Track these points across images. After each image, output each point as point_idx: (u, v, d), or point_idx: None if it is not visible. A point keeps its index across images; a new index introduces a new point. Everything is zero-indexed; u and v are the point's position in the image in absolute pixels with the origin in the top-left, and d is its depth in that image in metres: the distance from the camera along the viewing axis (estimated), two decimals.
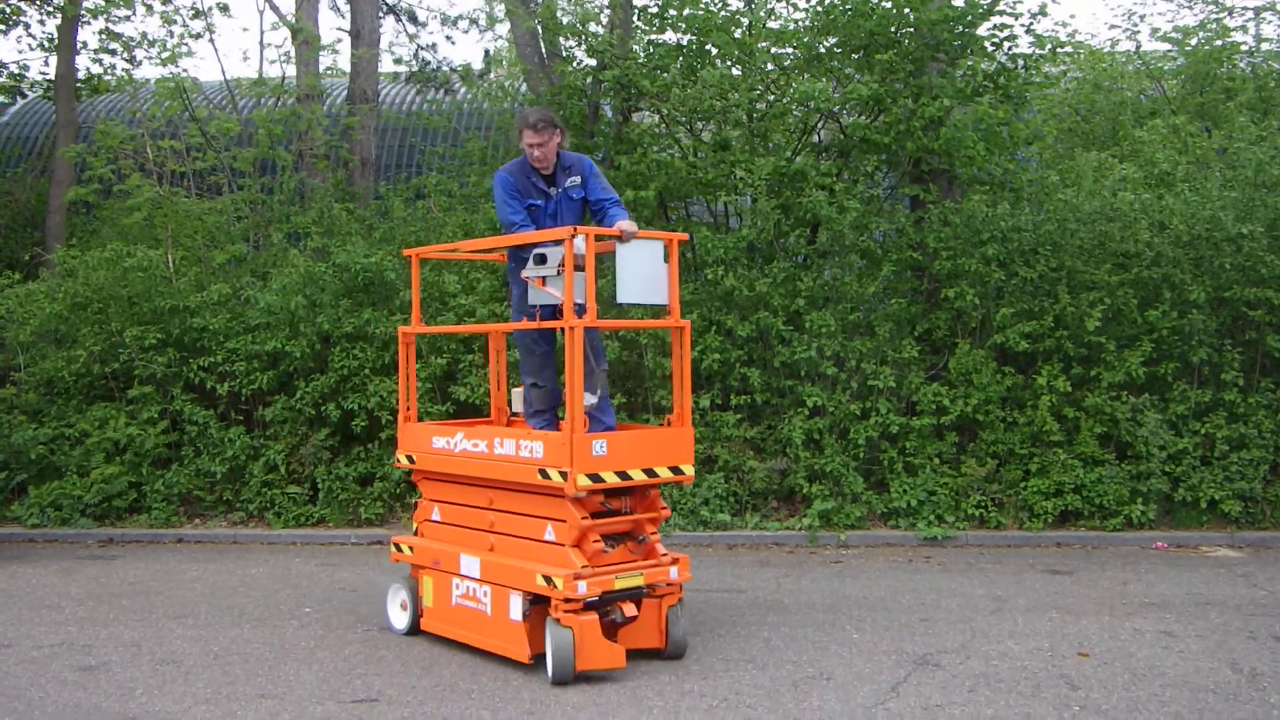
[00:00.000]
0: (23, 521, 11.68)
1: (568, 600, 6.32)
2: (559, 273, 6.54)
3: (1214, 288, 11.00)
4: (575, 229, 6.46)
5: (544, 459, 6.58)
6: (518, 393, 7.66)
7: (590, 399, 6.83)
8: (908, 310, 11.56)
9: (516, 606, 6.64)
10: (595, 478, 6.45)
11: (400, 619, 7.57)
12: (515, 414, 7.85)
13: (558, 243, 6.57)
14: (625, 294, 6.73)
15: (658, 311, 7.56)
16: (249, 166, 14.08)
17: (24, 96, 19.82)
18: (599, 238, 6.78)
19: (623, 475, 6.57)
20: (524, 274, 6.85)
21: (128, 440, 11.74)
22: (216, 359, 11.92)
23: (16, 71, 18.95)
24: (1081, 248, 11.25)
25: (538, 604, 6.57)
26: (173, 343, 12.10)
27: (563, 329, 6.64)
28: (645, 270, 6.76)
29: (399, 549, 7.59)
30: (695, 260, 11.99)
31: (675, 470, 6.84)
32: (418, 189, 14.48)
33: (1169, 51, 16.21)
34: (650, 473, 6.71)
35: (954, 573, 9.40)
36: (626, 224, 6.77)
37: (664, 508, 6.95)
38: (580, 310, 6.53)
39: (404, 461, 7.59)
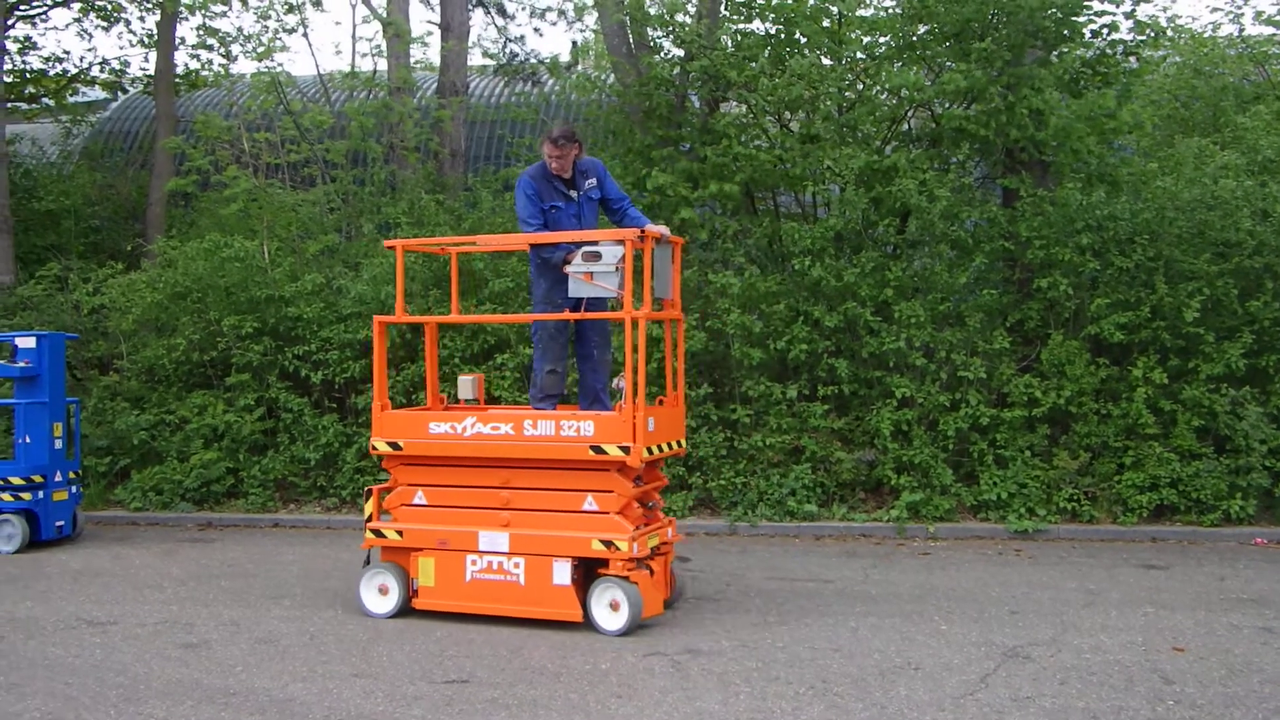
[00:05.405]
0: (126, 505, 12.06)
1: (630, 560, 7.05)
2: (617, 269, 7.20)
3: None
4: (644, 230, 7.26)
5: (596, 436, 7.11)
6: (465, 380, 8.15)
7: (601, 380, 7.92)
8: (999, 300, 11.38)
9: (564, 572, 7.17)
10: (649, 451, 7.21)
11: (381, 604, 7.66)
12: (456, 401, 8.28)
13: (610, 241, 7.28)
14: (662, 289, 7.59)
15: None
16: (341, 158, 14.33)
17: (125, 92, 20.41)
18: (657, 240, 7.50)
19: (658, 449, 7.42)
20: (569, 268, 7.40)
21: (225, 427, 12.05)
22: (310, 347, 12.18)
23: (118, 67, 19.54)
24: (1180, 236, 10.97)
25: (577, 569, 7.20)
26: (268, 331, 12.38)
27: (580, 321, 7.69)
28: (666, 269, 7.63)
29: (381, 535, 7.68)
30: (782, 250, 11.93)
31: (678, 444, 7.83)
32: (506, 180, 14.60)
33: (1274, 35, 15.71)
34: (671, 446, 7.68)
35: (1045, 566, 9.25)
36: (664, 228, 7.54)
37: (663, 476, 7.93)
38: (638, 303, 7.26)
39: (384, 448, 7.66)
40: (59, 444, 10.64)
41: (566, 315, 7.78)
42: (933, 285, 11.31)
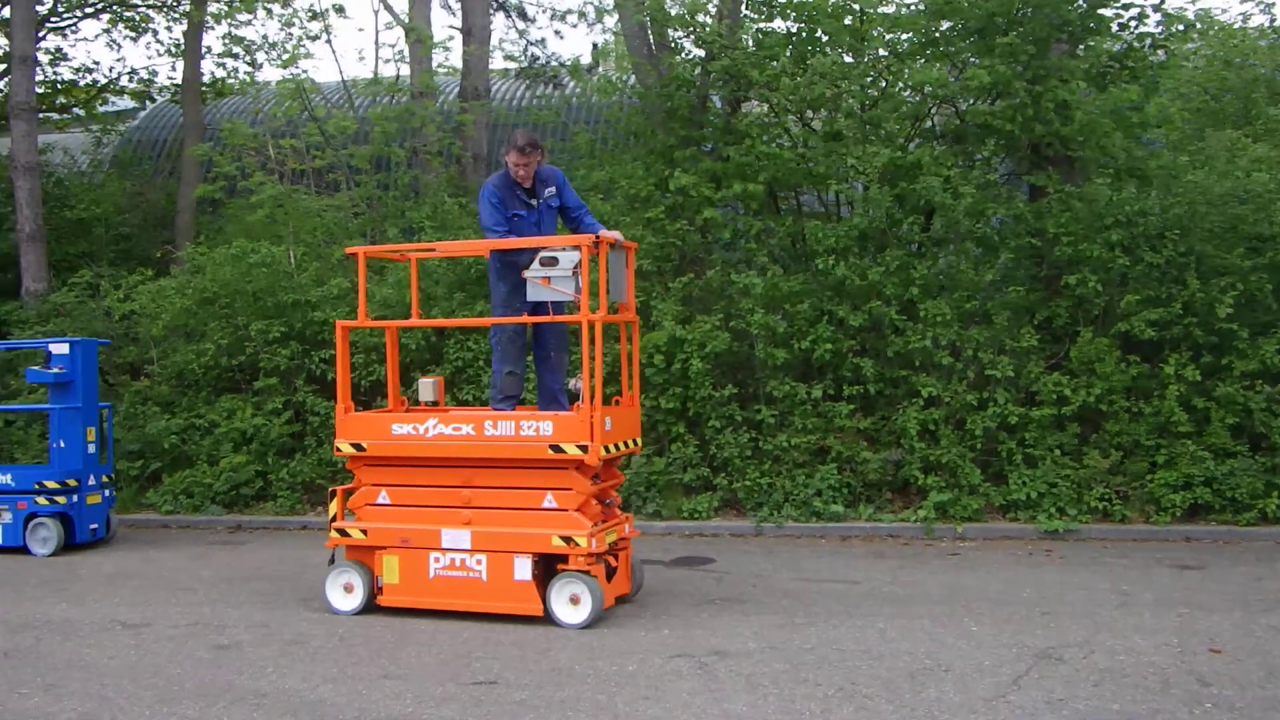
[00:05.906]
0: (157, 508, 12.16)
1: (589, 555, 7.29)
2: (573, 274, 7.39)
3: None
4: (598, 236, 7.51)
5: (554, 435, 7.34)
6: (425, 383, 8.29)
7: (559, 382, 8.12)
8: (1026, 298, 11.30)
9: (525, 568, 7.41)
10: (606, 449, 7.38)
11: (347, 601, 7.86)
12: (417, 403, 8.36)
13: (567, 247, 7.49)
14: (618, 293, 7.82)
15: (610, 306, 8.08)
16: (365, 164, 14.39)
17: (153, 101, 20.58)
18: (608, 245, 7.70)
19: (615, 447, 7.61)
20: (527, 273, 7.58)
21: (254, 430, 12.13)
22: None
23: (146, 77, 19.72)
24: (1212, 231, 10.85)
25: (537, 565, 7.44)
26: (295, 335, 12.46)
27: (540, 324, 7.92)
28: (621, 273, 7.83)
29: (346, 534, 7.86)
30: (806, 250, 11.89)
31: (634, 442, 8.02)
32: None
33: None
34: (628, 444, 7.86)
35: (1076, 566, 9.18)
36: (617, 234, 7.80)
37: (620, 474, 8.15)
38: (595, 306, 7.53)
39: (347, 450, 7.85)
40: (92, 448, 10.77)
41: (524, 319, 7.91)
42: (958, 283, 11.24)
